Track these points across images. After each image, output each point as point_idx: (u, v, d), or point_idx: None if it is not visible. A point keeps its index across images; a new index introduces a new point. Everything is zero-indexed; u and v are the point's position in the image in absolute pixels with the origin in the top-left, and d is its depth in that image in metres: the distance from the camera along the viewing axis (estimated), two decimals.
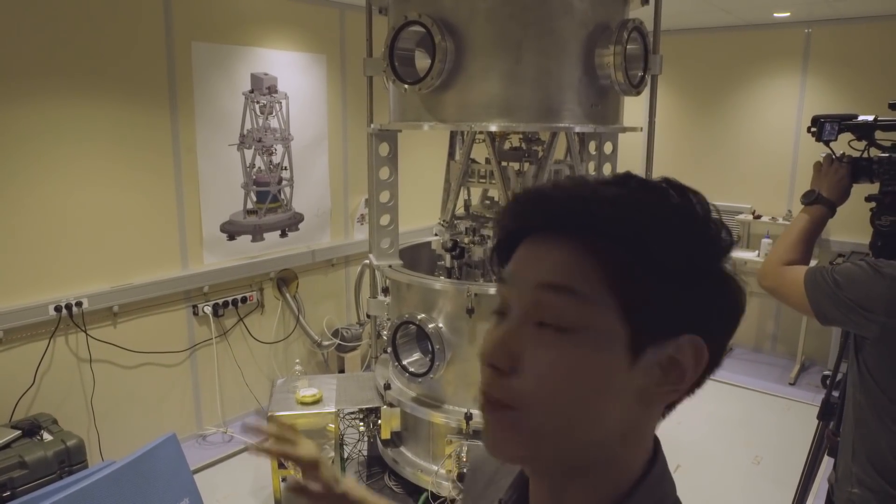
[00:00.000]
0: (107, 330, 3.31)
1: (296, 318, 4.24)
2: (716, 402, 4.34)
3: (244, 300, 3.93)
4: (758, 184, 5.06)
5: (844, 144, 1.72)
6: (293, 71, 4.02)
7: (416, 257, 3.09)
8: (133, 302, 3.38)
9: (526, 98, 2.30)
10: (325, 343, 4.35)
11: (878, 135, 1.67)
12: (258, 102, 3.86)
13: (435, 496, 2.53)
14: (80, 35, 3.05)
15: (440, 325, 2.50)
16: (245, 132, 3.82)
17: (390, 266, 2.73)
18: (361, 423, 2.77)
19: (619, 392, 0.52)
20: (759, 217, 4.93)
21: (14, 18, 2.84)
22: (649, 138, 2.72)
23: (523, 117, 2.32)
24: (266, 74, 3.87)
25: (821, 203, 1.64)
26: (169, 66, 3.42)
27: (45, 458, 2.59)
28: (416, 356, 2.65)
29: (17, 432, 2.67)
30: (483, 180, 2.75)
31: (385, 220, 2.83)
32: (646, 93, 2.59)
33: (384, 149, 2.76)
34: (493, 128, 2.36)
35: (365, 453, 3.02)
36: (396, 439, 2.82)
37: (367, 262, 2.84)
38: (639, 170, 2.63)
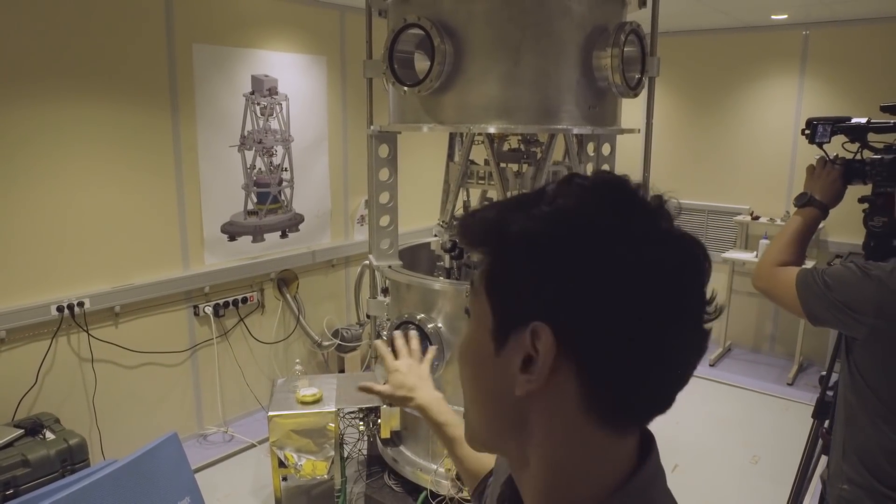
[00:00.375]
0: (108, 330, 3.33)
1: (296, 319, 4.26)
2: (714, 402, 4.36)
3: (245, 300, 3.95)
4: (756, 185, 5.08)
5: (839, 147, 1.75)
6: (294, 73, 4.04)
7: (416, 258, 3.11)
8: (134, 302, 3.40)
9: (524, 100, 2.32)
10: (326, 343, 4.37)
11: (871, 137, 1.69)
12: (259, 104, 3.88)
13: (434, 495, 2.55)
14: (82, 37, 3.08)
15: (439, 324, 2.52)
16: (246, 133, 3.84)
17: (390, 266, 2.75)
18: (361, 423, 2.78)
19: (492, 374, 0.58)
20: (757, 218, 4.95)
21: (16, 21, 2.86)
22: (647, 140, 2.74)
23: (522, 119, 2.34)
24: (267, 76, 3.90)
25: (813, 205, 1.67)
26: (170, 68, 3.44)
27: (47, 457, 2.61)
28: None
29: (20, 431, 2.69)
30: (482, 181, 2.77)
31: (385, 220, 2.85)
32: (644, 94, 2.61)
33: (384, 150, 2.78)
34: (492, 129, 2.38)
35: (365, 452, 3.03)
36: (396, 438, 2.84)
37: (367, 262, 2.86)
38: (637, 170, 2.65)
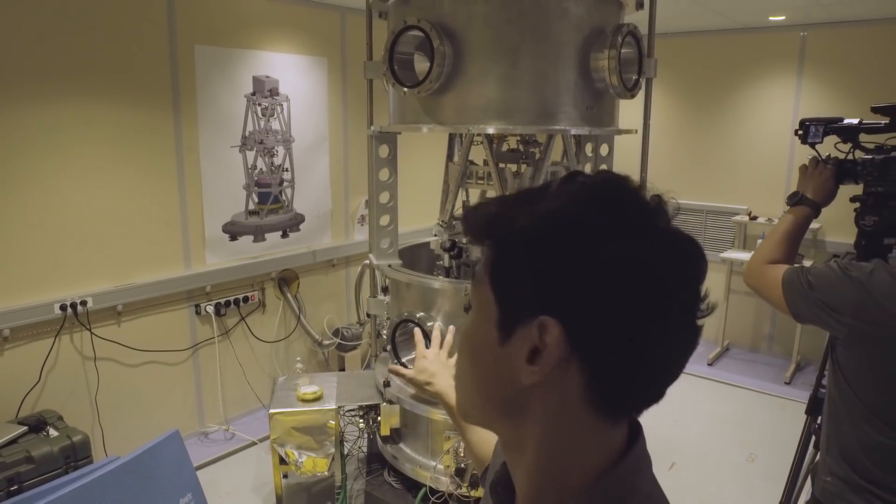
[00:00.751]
0: (111, 328, 3.36)
1: (297, 318, 4.29)
2: (712, 401, 4.39)
3: (246, 300, 3.98)
4: (754, 185, 5.11)
5: (832, 148, 1.78)
6: (295, 74, 4.07)
7: (416, 257, 3.13)
8: (137, 301, 3.43)
9: (523, 101, 2.35)
10: (326, 342, 4.40)
11: (863, 137, 1.72)
12: (260, 105, 3.91)
13: (433, 491, 2.57)
14: (84, 39, 3.11)
15: (439, 322, 2.55)
16: (247, 134, 3.87)
17: (390, 265, 2.77)
18: (361, 420, 2.80)
19: (494, 362, 0.60)
20: (755, 218, 4.97)
21: (20, 23, 2.89)
22: (644, 140, 2.76)
23: (520, 120, 2.36)
24: (268, 77, 3.93)
25: (805, 204, 1.70)
26: (172, 70, 3.47)
27: (51, 454, 2.63)
28: (415, 354, 2.69)
29: (24, 428, 2.72)
30: (481, 182, 2.79)
31: (385, 220, 2.88)
32: (641, 95, 2.64)
33: (384, 150, 2.80)
34: (491, 130, 2.41)
35: (365, 450, 3.06)
36: (396, 436, 2.86)
37: (368, 262, 2.89)
38: (635, 171, 2.68)
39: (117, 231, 3.34)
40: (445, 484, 2.53)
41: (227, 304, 3.87)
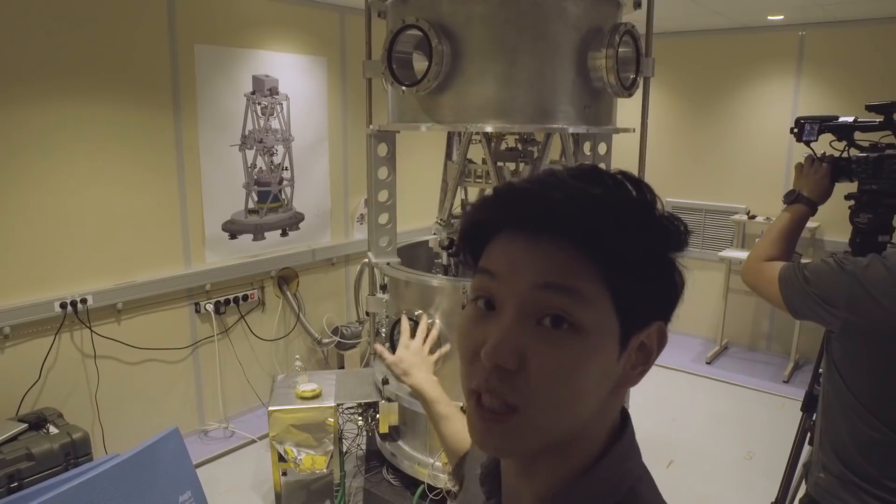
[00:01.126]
0: (111, 326, 3.37)
1: (296, 316, 4.30)
2: (711, 399, 4.40)
3: (245, 298, 3.99)
4: (753, 184, 5.12)
5: (828, 146, 1.79)
6: (294, 73, 4.08)
7: (414, 255, 3.14)
8: (137, 299, 3.44)
9: (521, 100, 2.36)
10: (325, 341, 4.41)
11: (858, 135, 1.73)
12: (259, 104, 3.92)
13: (431, 488, 2.58)
14: (84, 38, 3.12)
15: (437, 321, 2.56)
16: (247, 133, 3.88)
17: (388, 263, 2.78)
18: (360, 418, 2.81)
19: (607, 381, 0.58)
20: (753, 217, 4.99)
21: (20, 22, 2.90)
22: (642, 139, 2.77)
23: (518, 118, 2.37)
24: (267, 76, 3.94)
25: (801, 202, 1.71)
26: (172, 69, 3.48)
27: (51, 451, 2.64)
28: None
29: (24, 425, 2.73)
30: (479, 180, 2.80)
31: (383, 218, 2.89)
32: (639, 94, 2.65)
33: (383, 149, 2.81)
34: (489, 129, 2.42)
35: (363, 447, 3.07)
36: (394, 433, 2.87)
37: (367, 260, 2.90)
38: (633, 169, 2.69)
39: (117, 229, 3.35)
40: (444, 481, 2.55)
41: (227, 302, 3.89)
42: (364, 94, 2.86)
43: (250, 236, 4.00)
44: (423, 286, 2.61)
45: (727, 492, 3.33)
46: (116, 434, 3.39)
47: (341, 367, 4.53)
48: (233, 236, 3.90)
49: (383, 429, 2.76)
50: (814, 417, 1.92)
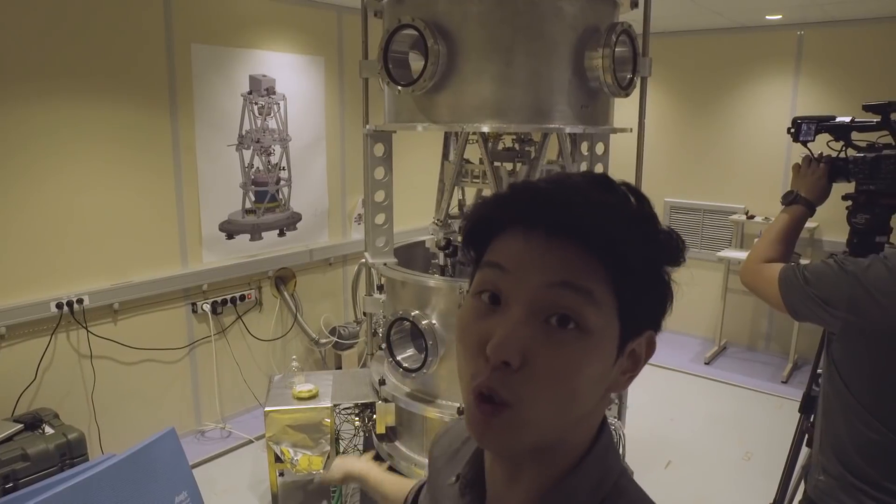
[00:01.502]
0: (107, 327, 3.37)
1: (293, 317, 4.29)
2: (710, 400, 4.39)
3: (242, 298, 3.98)
4: (751, 184, 5.12)
5: (825, 146, 1.78)
6: (291, 73, 4.08)
7: (411, 256, 3.14)
8: (133, 299, 3.44)
9: (517, 100, 2.35)
10: (323, 341, 4.40)
11: (855, 135, 1.73)
12: (256, 103, 3.91)
13: None
14: (81, 38, 3.11)
15: (433, 321, 2.55)
16: (244, 133, 3.88)
17: (385, 264, 2.77)
18: (357, 419, 2.81)
19: (602, 384, 0.58)
20: (752, 217, 4.98)
21: (17, 22, 2.89)
22: (639, 139, 2.77)
23: (515, 118, 2.37)
24: (264, 76, 3.93)
25: (800, 203, 1.70)
26: (169, 68, 3.47)
27: (46, 451, 2.64)
28: (410, 352, 2.70)
29: (20, 426, 2.73)
30: (476, 180, 2.79)
31: (380, 218, 2.88)
32: (637, 94, 2.64)
33: (379, 149, 2.81)
34: (485, 129, 2.41)
35: (360, 448, 3.06)
36: (391, 434, 2.87)
37: (364, 260, 2.89)
38: (631, 169, 2.69)
39: (114, 229, 3.34)
40: None
41: (224, 302, 3.88)
42: (361, 93, 2.85)
43: (247, 236, 3.99)
44: (420, 286, 2.60)
45: (725, 492, 3.33)
46: (113, 434, 3.38)
47: (339, 367, 4.53)
48: (230, 236, 3.89)
49: (380, 429, 2.76)
50: (812, 419, 1.92)
